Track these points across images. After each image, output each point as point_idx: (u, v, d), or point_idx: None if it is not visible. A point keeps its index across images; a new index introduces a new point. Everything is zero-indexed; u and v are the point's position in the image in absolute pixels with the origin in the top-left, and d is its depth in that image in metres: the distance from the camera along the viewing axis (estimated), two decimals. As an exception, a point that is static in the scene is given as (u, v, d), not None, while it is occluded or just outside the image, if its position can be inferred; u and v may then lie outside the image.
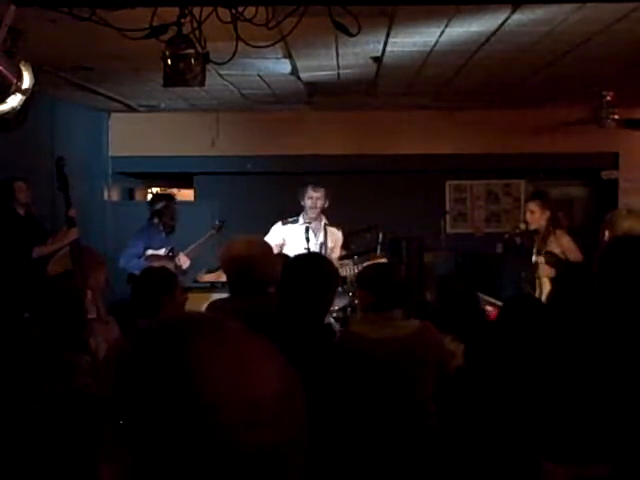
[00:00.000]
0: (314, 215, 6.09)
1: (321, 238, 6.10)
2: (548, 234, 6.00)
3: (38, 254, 5.84)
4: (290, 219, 6.22)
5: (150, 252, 6.62)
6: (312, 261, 3.45)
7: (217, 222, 7.11)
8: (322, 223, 6.18)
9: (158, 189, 10.18)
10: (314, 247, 6.00)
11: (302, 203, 6.19)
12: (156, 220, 6.76)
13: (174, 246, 6.77)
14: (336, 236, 6.28)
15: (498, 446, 1.92)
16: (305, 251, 5.75)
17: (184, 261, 6.76)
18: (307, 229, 5.94)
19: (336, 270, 3.53)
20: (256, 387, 0.78)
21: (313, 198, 6.10)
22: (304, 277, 3.16)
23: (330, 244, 6.13)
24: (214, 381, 0.77)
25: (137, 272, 6.53)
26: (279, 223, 6.24)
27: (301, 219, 6.17)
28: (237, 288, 3.56)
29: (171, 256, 6.68)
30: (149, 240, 6.68)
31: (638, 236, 3.57)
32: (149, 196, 9.41)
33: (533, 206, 6.13)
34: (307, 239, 5.87)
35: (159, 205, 6.83)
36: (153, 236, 6.72)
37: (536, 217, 6.08)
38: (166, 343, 0.80)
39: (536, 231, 6.12)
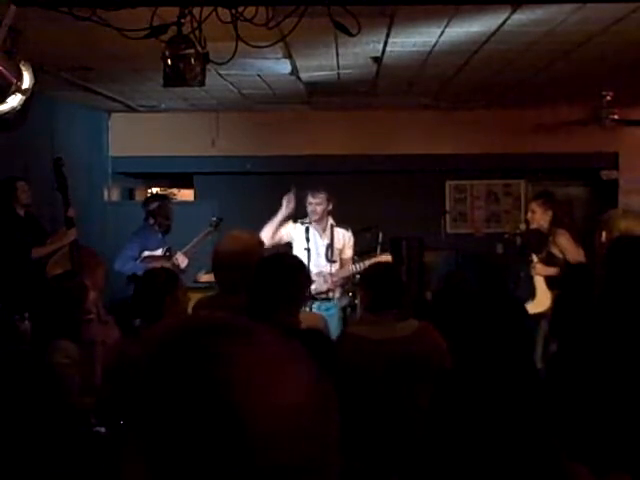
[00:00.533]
0: (316, 219, 6.05)
1: (327, 239, 6.05)
2: (549, 234, 6.00)
3: (37, 255, 5.83)
4: (301, 219, 6.17)
5: (147, 253, 6.61)
6: (273, 262, 3.34)
7: (214, 219, 7.05)
8: (329, 224, 6.14)
9: (158, 189, 10.17)
10: (316, 248, 5.98)
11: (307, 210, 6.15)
12: (151, 221, 6.75)
13: (171, 246, 6.75)
14: (345, 237, 6.23)
15: (519, 445, 1.91)
16: (305, 252, 5.75)
17: (182, 260, 6.75)
18: (307, 229, 5.92)
19: (301, 270, 3.35)
20: (286, 394, 0.74)
21: (312, 204, 6.04)
22: (264, 279, 3.13)
23: (337, 245, 6.09)
24: (242, 386, 0.72)
25: (139, 273, 6.54)
26: (291, 221, 6.20)
27: (307, 220, 6.13)
28: (225, 286, 3.55)
29: (168, 256, 6.67)
30: (145, 241, 6.67)
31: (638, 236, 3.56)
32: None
33: (534, 206, 6.14)
34: (307, 239, 5.87)
35: (152, 206, 6.82)
36: (149, 237, 6.71)
37: (536, 217, 6.08)
38: (192, 347, 0.75)
39: (539, 230, 6.12)
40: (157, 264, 6.58)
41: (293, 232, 6.02)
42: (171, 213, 6.85)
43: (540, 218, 6.05)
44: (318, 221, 6.03)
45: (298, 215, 6.24)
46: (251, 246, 3.60)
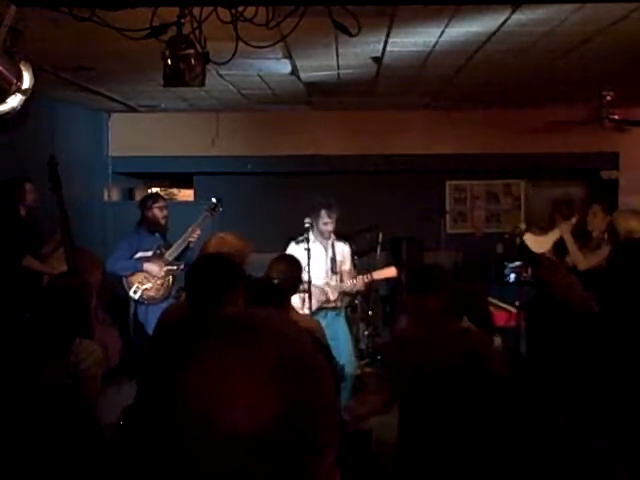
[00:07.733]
0: (329, 236, 6.11)
1: (330, 253, 6.14)
2: (602, 241, 5.98)
3: (26, 264, 5.81)
4: (300, 238, 6.13)
5: (139, 255, 6.59)
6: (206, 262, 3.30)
7: (211, 201, 6.86)
8: (331, 240, 6.19)
9: (158, 189, 10.17)
10: (322, 262, 6.01)
11: (314, 223, 6.06)
12: (142, 222, 6.73)
13: (161, 244, 6.70)
14: (344, 250, 6.30)
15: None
16: (305, 252, 5.76)
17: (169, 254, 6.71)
18: (307, 229, 5.94)
19: (233, 267, 3.24)
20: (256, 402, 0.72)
21: (329, 224, 6.08)
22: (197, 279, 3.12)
23: (339, 257, 6.16)
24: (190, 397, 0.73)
25: (128, 273, 6.53)
26: (292, 243, 6.15)
27: (312, 237, 6.07)
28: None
29: (159, 254, 6.63)
30: (140, 242, 6.63)
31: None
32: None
33: (597, 209, 6.14)
34: (307, 239, 5.87)
35: (141, 208, 6.80)
36: (144, 237, 6.67)
37: (597, 221, 6.09)
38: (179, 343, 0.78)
39: (587, 231, 6.10)
40: (148, 265, 6.55)
41: (303, 252, 5.86)
42: (159, 212, 6.70)
43: (601, 223, 6.07)
44: (328, 237, 6.11)
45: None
46: (237, 248, 3.56)
